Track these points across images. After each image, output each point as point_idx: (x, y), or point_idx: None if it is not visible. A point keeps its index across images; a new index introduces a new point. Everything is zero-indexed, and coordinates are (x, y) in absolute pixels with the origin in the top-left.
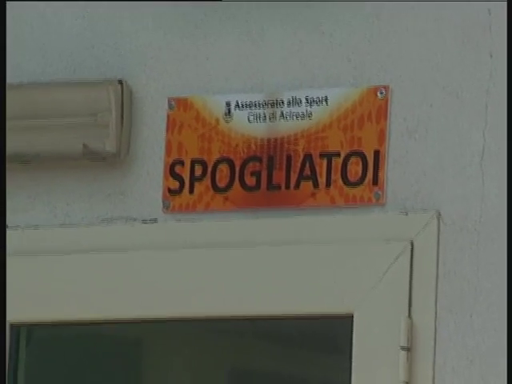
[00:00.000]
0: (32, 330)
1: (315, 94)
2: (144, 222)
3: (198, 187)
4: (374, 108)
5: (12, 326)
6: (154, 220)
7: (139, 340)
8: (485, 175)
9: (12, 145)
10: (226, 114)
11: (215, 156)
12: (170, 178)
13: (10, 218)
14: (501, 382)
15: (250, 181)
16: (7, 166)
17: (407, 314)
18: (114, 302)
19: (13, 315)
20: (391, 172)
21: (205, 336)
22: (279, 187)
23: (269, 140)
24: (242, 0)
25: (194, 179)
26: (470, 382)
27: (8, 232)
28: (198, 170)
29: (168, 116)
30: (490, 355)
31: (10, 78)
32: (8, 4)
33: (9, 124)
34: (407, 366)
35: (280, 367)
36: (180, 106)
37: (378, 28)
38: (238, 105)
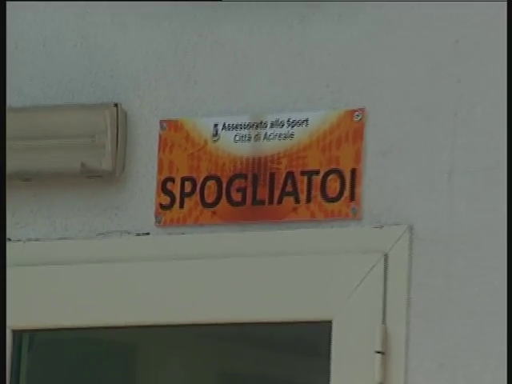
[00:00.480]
0: (33, 335)
1: (296, 116)
2: (137, 235)
3: (188, 203)
4: (351, 129)
5: (14, 332)
6: (147, 233)
7: (133, 344)
8: (453, 192)
9: (15, 163)
10: (213, 135)
11: (203, 174)
12: (162, 194)
13: (12, 232)
14: (470, 383)
15: (236, 196)
16: (11, 183)
17: (381, 321)
18: (110, 309)
19: (15, 322)
20: (367, 189)
21: (194, 341)
22: (263, 202)
23: (253, 159)
24: (241, 0)
25: (184, 195)
26: (440, 383)
27: (11, 244)
28: (188, 187)
29: (160, 136)
30: (460, 359)
31: (14, 101)
32: (12, 32)
33: (12, 144)
34: (382, 368)
35: (265, 370)
36: (171, 128)
37: (355, 55)
38: (224, 126)
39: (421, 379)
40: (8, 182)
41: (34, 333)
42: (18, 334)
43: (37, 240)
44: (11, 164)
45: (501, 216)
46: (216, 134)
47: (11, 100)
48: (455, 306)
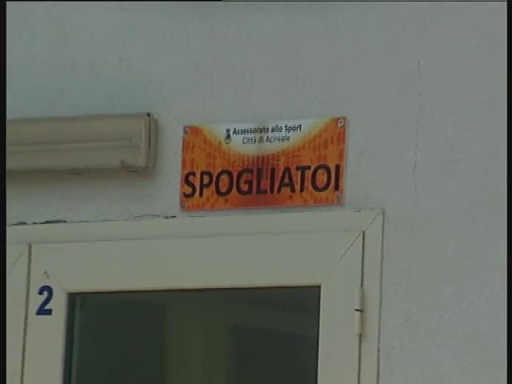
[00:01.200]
0: (84, 297)
1: (292, 123)
2: (166, 217)
3: (206, 192)
4: (335, 134)
5: (69, 294)
6: (174, 216)
7: (162, 305)
8: (416, 183)
9: (69, 161)
10: (226, 138)
11: (218, 169)
12: (185, 185)
13: (68, 215)
14: (429, 333)
15: (244, 187)
16: (66, 176)
17: (360, 285)
18: (144, 276)
19: (70, 286)
20: (348, 181)
21: (210, 301)
22: (265, 192)
23: (258, 157)
24: (241, 0)
25: (202, 186)
26: (406, 333)
27: (67, 225)
28: (206, 179)
29: (183, 139)
30: (421, 316)
31: (68, 112)
32: (67, 56)
33: (66, 146)
34: (360, 323)
35: (268, 325)
36: (192, 132)
37: (338, 74)
38: (234, 131)
39: (391, 331)
40: (64, 176)
41: (84, 295)
42: (72, 296)
43: (87, 221)
44: (66, 161)
45: (453, 201)
46: (228, 137)
47: (66, 111)
48: (418, 273)
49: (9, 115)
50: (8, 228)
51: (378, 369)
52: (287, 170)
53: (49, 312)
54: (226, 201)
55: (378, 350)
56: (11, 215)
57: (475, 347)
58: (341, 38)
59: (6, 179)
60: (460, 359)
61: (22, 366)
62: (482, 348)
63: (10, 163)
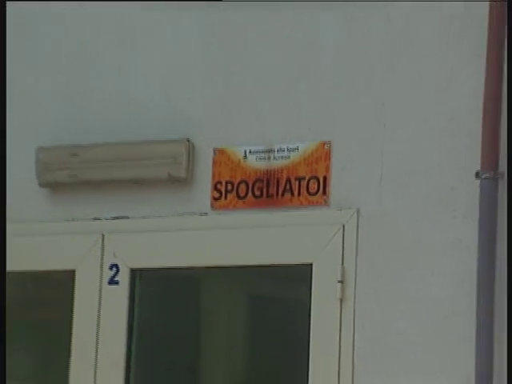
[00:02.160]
0: (142, 272)
1: (292, 145)
2: (201, 214)
3: (229, 196)
4: (323, 153)
5: (131, 270)
6: (206, 213)
7: (198, 278)
8: (383, 188)
9: (131, 174)
10: (243, 157)
11: (238, 179)
12: (214, 191)
13: (130, 213)
14: (392, 299)
15: (257, 192)
16: (128, 185)
17: (341, 263)
18: (185, 256)
19: (132, 264)
20: (333, 188)
21: (232, 275)
22: (272, 196)
23: (267, 171)
24: (241, 0)
25: (227, 192)
26: (375, 299)
27: (129, 220)
28: (229, 187)
29: (213, 158)
30: (386, 287)
31: (131, 138)
32: (122, 93)
33: (130, 163)
34: (341, 290)
35: (273, 293)
36: (219, 153)
37: (326, 111)
38: (250, 152)
39: (363, 297)
40: (127, 184)
41: (142, 270)
42: (133, 271)
43: (143, 217)
44: (129, 174)
45: (409, 203)
46: (245, 156)
47: (126, 136)
48: (383, 255)
49: (92, 140)
50: (87, 222)
51: (354, 324)
52: (288, 180)
53: (116, 282)
54: (244, 203)
55: (354, 310)
56: (89, 213)
57: (425, 309)
58: (328, 83)
59: (87, 188)
60: (417, 318)
61: (98, 318)
62: (431, 309)
63: (89, 175)
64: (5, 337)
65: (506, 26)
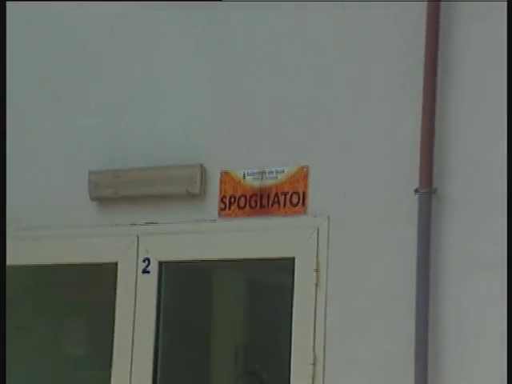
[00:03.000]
0: (168, 264)
1: (279, 168)
2: (211, 221)
3: (232, 207)
4: (302, 175)
5: (160, 262)
6: (215, 220)
7: (209, 268)
8: (347, 201)
9: (157, 190)
10: (242, 177)
11: (239, 194)
12: (221, 203)
13: (158, 219)
14: (355, 283)
15: (253, 204)
16: (156, 199)
17: (316, 256)
18: (200, 252)
19: (160, 257)
20: (310, 200)
21: (235, 266)
22: (265, 207)
23: (260, 188)
24: (241, 0)
25: (230, 204)
26: (342, 283)
27: (157, 225)
28: (232, 200)
29: (220, 179)
30: (349, 273)
31: (157, 163)
32: (148, 124)
33: (157, 182)
34: (316, 277)
35: (266, 279)
36: (225, 174)
37: (304, 142)
38: (247, 173)
39: (333, 283)
40: (154, 199)
41: (167, 263)
42: (161, 263)
43: (168, 223)
44: (156, 191)
45: (367, 212)
46: (244, 177)
47: (154, 162)
48: (348, 250)
49: (129, 166)
50: (126, 227)
51: (326, 302)
52: (276, 195)
53: (148, 272)
54: (243, 212)
55: (326, 292)
56: (127, 220)
57: (378, 290)
58: (306, 121)
59: (126, 201)
60: (372, 297)
61: (135, 298)
62: (382, 291)
63: (127, 192)
64: (5, 336)
65: (506, 26)
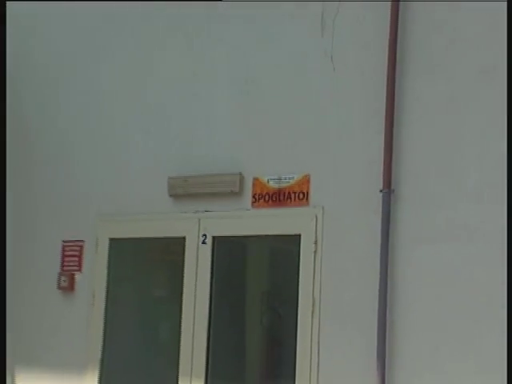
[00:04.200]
0: (218, 238)
1: (291, 176)
2: (246, 210)
3: (260, 201)
4: (305, 181)
5: (213, 237)
6: (249, 209)
7: (245, 242)
8: (334, 198)
9: (212, 190)
10: (267, 181)
11: (264, 192)
12: (252, 198)
13: (211, 208)
14: (340, 251)
15: (274, 199)
16: (208, 196)
17: (315, 233)
18: (237, 229)
19: (214, 233)
20: (312, 197)
21: (262, 240)
22: (281, 201)
23: (278, 189)
24: (241, 0)
25: (259, 199)
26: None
27: (211, 212)
28: (260, 196)
29: (252, 182)
30: (335, 244)
31: (207, 171)
32: (199, 143)
33: (208, 185)
34: (315, 247)
35: (278, 250)
36: (255, 180)
37: (307, 158)
38: (271, 179)
39: (326, 251)
40: (207, 196)
41: (218, 237)
42: (215, 237)
43: (217, 211)
44: (211, 190)
45: (349, 204)
46: (268, 181)
47: (210, 171)
48: (337, 233)
49: (194, 174)
50: (191, 214)
51: (321, 264)
52: (289, 193)
53: (205, 243)
54: (267, 204)
55: (321, 257)
56: (192, 209)
57: (355, 257)
58: (310, 142)
59: (191, 197)
60: (350, 261)
61: (197, 261)
62: (359, 257)
63: (192, 191)
64: (5, 334)
65: (506, 26)
